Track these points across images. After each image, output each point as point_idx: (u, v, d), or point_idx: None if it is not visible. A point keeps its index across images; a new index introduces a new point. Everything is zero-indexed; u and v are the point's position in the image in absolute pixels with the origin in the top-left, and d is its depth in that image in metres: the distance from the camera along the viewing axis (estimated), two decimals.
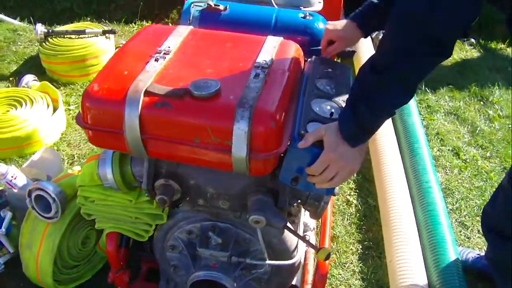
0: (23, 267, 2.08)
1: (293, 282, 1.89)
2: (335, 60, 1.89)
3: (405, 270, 2.10)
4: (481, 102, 3.72)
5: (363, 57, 3.58)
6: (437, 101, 3.67)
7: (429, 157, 2.77)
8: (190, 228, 1.72)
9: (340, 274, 2.32)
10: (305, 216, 1.96)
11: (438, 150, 3.16)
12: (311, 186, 1.45)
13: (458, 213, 2.70)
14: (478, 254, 2.34)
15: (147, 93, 1.39)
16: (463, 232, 2.59)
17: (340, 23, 1.77)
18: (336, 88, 1.64)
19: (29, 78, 3.23)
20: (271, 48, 1.64)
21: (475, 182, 2.92)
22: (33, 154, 2.44)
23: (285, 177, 1.46)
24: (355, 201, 2.70)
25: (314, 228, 2.07)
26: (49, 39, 3.47)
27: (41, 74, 3.52)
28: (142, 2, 4.70)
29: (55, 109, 2.98)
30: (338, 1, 2.46)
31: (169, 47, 1.60)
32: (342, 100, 1.55)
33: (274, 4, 2.12)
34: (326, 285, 2.12)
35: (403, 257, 2.15)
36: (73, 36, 3.49)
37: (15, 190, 2.16)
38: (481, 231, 2.30)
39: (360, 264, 2.37)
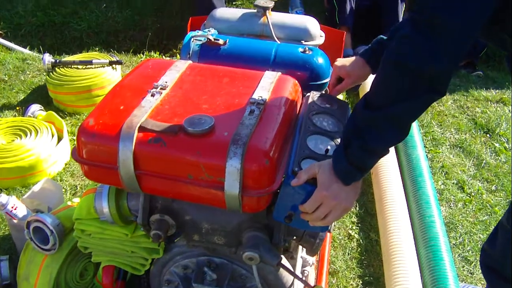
0: None
1: None
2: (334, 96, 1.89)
3: None
4: (487, 135, 3.70)
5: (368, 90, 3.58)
6: (442, 133, 3.66)
7: (432, 191, 2.75)
8: (186, 263, 1.72)
9: None
10: (303, 251, 1.94)
11: (442, 184, 3.13)
12: (305, 224, 1.44)
13: (462, 247, 2.67)
14: None
15: (141, 128, 1.40)
16: (466, 267, 2.56)
17: (349, 60, 1.78)
18: (333, 125, 1.64)
19: (35, 108, 3.26)
20: (268, 83, 1.64)
21: (479, 216, 2.89)
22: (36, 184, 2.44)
23: (279, 215, 1.45)
24: (356, 235, 2.68)
25: (313, 263, 2.05)
26: (56, 69, 3.51)
27: (48, 103, 3.54)
28: (150, 33, 4.75)
29: (59, 139, 2.99)
30: (340, 35, 2.47)
31: (166, 82, 1.61)
32: (338, 137, 1.55)
33: (275, 38, 2.14)
34: None
35: None
36: (80, 67, 3.52)
37: (15, 221, 2.16)
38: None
39: None
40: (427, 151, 3.40)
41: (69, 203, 2.12)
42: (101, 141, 1.42)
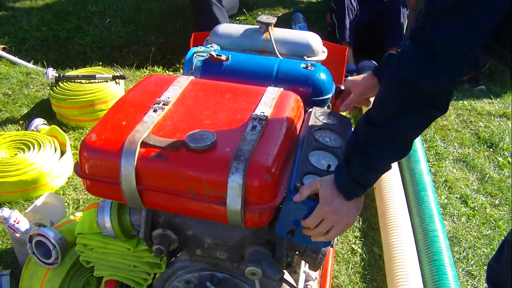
0: None
1: None
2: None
3: None
4: (491, 149, 3.70)
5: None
6: (445, 148, 3.66)
7: (436, 205, 2.74)
8: (188, 278, 1.72)
9: None
10: (306, 266, 1.94)
11: (446, 198, 3.13)
12: (308, 239, 1.44)
13: (465, 262, 2.66)
14: None
15: (143, 144, 1.41)
16: (470, 282, 2.55)
17: (359, 76, 1.79)
18: (335, 140, 1.64)
19: (38, 122, 3.27)
20: (270, 99, 1.65)
21: (483, 231, 2.89)
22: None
23: (281, 230, 1.45)
24: (360, 250, 2.67)
25: (316, 278, 2.05)
26: (59, 83, 3.52)
27: (51, 118, 3.55)
28: (154, 48, 4.77)
29: (62, 154, 3.00)
30: (342, 51, 2.48)
31: (168, 97, 1.62)
32: (341, 152, 1.55)
33: (278, 54, 2.14)
34: None
35: None
36: (83, 81, 3.53)
37: (18, 235, 2.16)
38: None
39: None
40: (430, 165, 3.40)
41: (71, 217, 2.12)
42: (103, 156, 1.42)
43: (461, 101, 4.30)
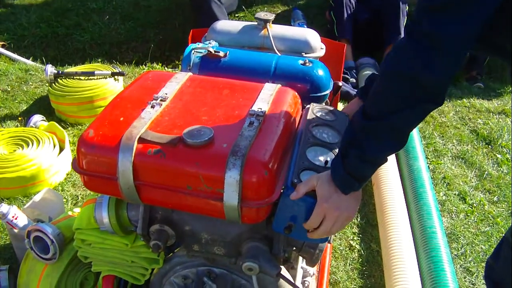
0: None
1: None
2: (339, 104, 1.90)
3: None
4: (489, 146, 3.70)
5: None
6: (444, 144, 3.66)
7: (434, 202, 2.75)
8: (186, 273, 1.72)
9: None
10: (304, 262, 1.94)
11: (444, 195, 3.13)
12: (305, 235, 1.45)
13: (463, 258, 2.66)
14: None
15: (141, 140, 1.41)
16: (468, 279, 2.55)
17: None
18: (333, 136, 1.64)
19: (37, 118, 3.27)
20: (267, 95, 1.65)
21: (481, 227, 2.89)
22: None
23: (278, 226, 1.46)
24: (358, 246, 2.68)
25: (314, 274, 2.05)
26: (58, 80, 3.52)
27: (50, 114, 3.55)
28: (153, 45, 4.77)
29: (61, 150, 3.00)
30: (341, 47, 2.48)
31: (166, 93, 1.62)
32: (338, 148, 1.55)
33: (276, 50, 2.15)
34: None
35: None
36: (82, 78, 3.53)
37: (16, 231, 2.17)
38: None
39: None
40: (429, 162, 3.40)
41: (70, 213, 2.12)
42: (100, 152, 1.43)
43: (460, 98, 4.30)
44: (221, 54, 1.97)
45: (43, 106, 3.68)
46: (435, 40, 1.17)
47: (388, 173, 2.90)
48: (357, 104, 1.76)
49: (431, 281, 2.26)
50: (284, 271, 1.63)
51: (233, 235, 1.58)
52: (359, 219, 2.84)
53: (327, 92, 1.93)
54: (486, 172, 3.36)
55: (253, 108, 1.56)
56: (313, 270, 2.01)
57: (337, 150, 1.54)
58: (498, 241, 1.90)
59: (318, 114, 1.72)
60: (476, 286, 2.51)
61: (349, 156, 1.32)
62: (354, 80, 4.23)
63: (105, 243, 1.73)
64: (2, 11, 5.22)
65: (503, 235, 1.87)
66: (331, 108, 1.81)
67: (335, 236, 2.71)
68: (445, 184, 3.22)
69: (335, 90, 1.84)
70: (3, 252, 2.44)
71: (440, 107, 1.30)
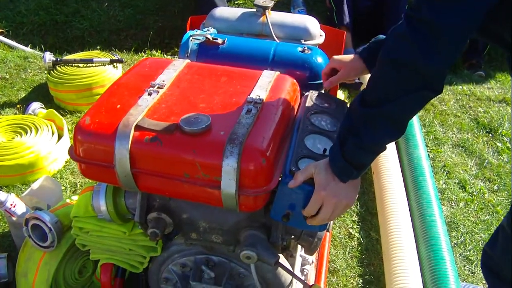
0: None
1: None
2: (339, 92, 1.88)
3: None
4: (490, 134, 3.69)
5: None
6: (444, 133, 3.65)
7: (434, 191, 2.74)
8: (184, 261, 1.72)
9: None
10: (302, 250, 1.94)
11: (444, 183, 3.12)
12: (303, 223, 1.44)
13: (463, 247, 2.66)
14: None
15: (137, 127, 1.40)
16: (467, 267, 2.55)
17: (348, 55, 1.76)
18: (331, 124, 1.63)
19: (36, 106, 3.26)
20: (266, 83, 1.64)
21: (481, 216, 2.88)
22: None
23: (276, 214, 1.45)
24: (357, 234, 2.67)
25: (313, 262, 2.05)
26: (57, 67, 3.51)
27: (49, 101, 3.54)
28: (152, 32, 4.75)
29: (60, 137, 3.00)
30: (340, 35, 2.47)
31: (163, 81, 1.61)
32: (336, 136, 1.54)
33: (275, 37, 2.13)
34: None
35: None
36: (80, 65, 3.52)
37: (14, 218, 2.16)
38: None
39: None
40: (429, 150, 3.39)
41: (68, 200, 2.12)
42: (97, 139, 1.42)
43: (460, 86, 4.29)
44: (219, 41, 1.95)
45: (41, 93, 3.66)
46: (434, 29, 1.16)
47: (388, 161, 2.90)
48: (357, 62, 1.73)
49: (430, 269, 2.25)
50: (282, 260, 1.63)
51: (231, 223, 1.57)
52: (358, 208, 2.84)
53: None
54: (486, 161, 3.35)
55: (251, 96, 1.55)
56: (312, 258, 2.00)
57: (335, 138, 1.53)
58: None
59: (317, 102, 1.71)
60: (475, 274, 2.51)
61: (347, 144, 1.31)
62: None
63: (103, 231, 1.72)
64: None
65: (500, 223, 1.87)
66: (330, 96, 1.80)
67: (335, 224, 2.70)
68: (445, 173, 3.21)
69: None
70: (1, 240, 2.44)
71: (440, 95, 1.29)
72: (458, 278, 2.22)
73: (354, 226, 2.73)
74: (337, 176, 1.34)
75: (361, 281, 2.41)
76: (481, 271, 2.45)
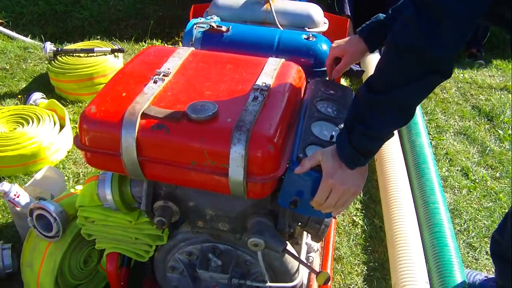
0: (24, 286, 2.07)
1: None
2: (341, 80, 1.87)
3: None
4: (491, 122, 3.69)
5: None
6: (446, 120, 3.65)
7: (437, 178, 2.74)
8: (190, 250, 1.71)
9: None
10: (308, 237, 1.94)
11: (446, 171, 3.12)
12: (310, 210, 1.43)
13: (466, 234, 2.66)
14: (485, 277, 2.29)
15: (144, 115, 1.39)
16: (471, 254, 2.55)
17: (344, 39, 1.74)
18: (337, 111, 1.63)
19: (37, 96, 3.25)
20: (271, 70, 1.63)
21: (484, 203, 2.89)
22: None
23: (283, 201, 1.44)
24: (361, 222, 2.67)
25: (318, 250, 2.05)
26: (58, 57, 3.50)
27: (50, 92, 3.54)
28: (152, 21, 4.73)
29: (62, 127, 2.99)
30: (344, 22, 2.46)
31: (168, 68, 1.60)
32: (343, 123, 1.54)
33: (279, 25, 2.12)
34: None
35: (408, 280, 2.12)
36: (81, 55, 3.51)
37: (18, 209, 2.16)
38: (489, 252, 2.26)
39: (365, 286, 2.33)
40: (431, 138, 3.39)
41: (72, 190, 2.11)
42: (103, 128, 1.40)
43: (462, 74, 4.29)
44: (224, 28, 1.94)
45: (42, 83, 3.66)
46: (436, 10, 1.14)
47: (390, 149, 2.89)
48: (358, 45, 1.71)
49: (434, 256, 2.26)
50: (289, 247, 1.63)
51: (237, 210, 1.57)
52: (362, 195, 2.84)
53: None
54: (488, 148, 3.35)
55: (257, 83, 1.54)
56: (317, 245, 2.00)
57: (342, 125, 1.52)
58: (501, 217, 1.90)
59: (322, 89, 1.70)
60: (479, 261, 2.51)
61: (354, 131, 1.29)
62: None
63: (109, 220, 1.72)
64: None
65: (507, 211, 1.87)
66: (335, 83, 1.79)
67: None
68: (447, 160, 3.22)
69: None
70: (6, 231, 2.44)
71: (441, 83, 1.27)
72: (462, 265, 2.22)
73: (358, 214, 2.73)
74: (344, 163, 1.33)
75: (365, 268, 2.42)
76: (484, 258, 2.46)
